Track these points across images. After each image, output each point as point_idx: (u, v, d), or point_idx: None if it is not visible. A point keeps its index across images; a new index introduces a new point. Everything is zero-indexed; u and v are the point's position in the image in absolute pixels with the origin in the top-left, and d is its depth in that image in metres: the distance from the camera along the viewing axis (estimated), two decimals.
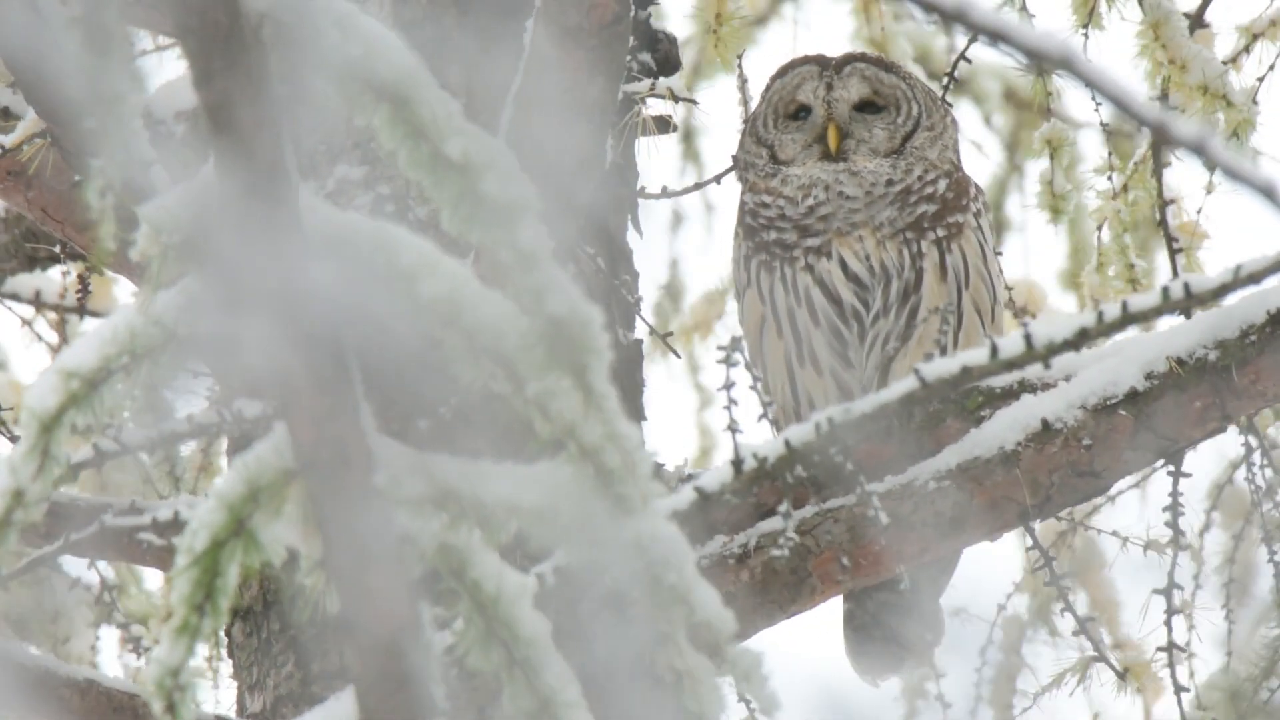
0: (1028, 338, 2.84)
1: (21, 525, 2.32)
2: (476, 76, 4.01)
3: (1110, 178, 4.96)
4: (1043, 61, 2.31)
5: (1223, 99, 4.82)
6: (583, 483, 2.37)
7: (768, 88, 4.39)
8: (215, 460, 5.47)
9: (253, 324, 2.27)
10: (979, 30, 2.33)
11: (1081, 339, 2.83)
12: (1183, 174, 5.07)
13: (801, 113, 4.36)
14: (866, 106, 4.34)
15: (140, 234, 2.23)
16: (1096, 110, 4.98)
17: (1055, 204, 5.03)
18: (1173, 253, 4.86)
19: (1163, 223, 4.89)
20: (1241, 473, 4.67)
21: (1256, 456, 4.18)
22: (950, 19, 2.28)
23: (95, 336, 2.32)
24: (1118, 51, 4.93)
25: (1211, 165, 2.32)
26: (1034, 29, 2.35)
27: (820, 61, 4.37)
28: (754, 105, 4.47)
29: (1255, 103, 4.88)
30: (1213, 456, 4.90)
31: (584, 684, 2.46)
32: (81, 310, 5.50)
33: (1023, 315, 5.39)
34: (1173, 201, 4.88)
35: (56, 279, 5.63)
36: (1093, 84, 2.34)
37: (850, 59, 4.38)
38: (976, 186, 4.34)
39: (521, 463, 2.42)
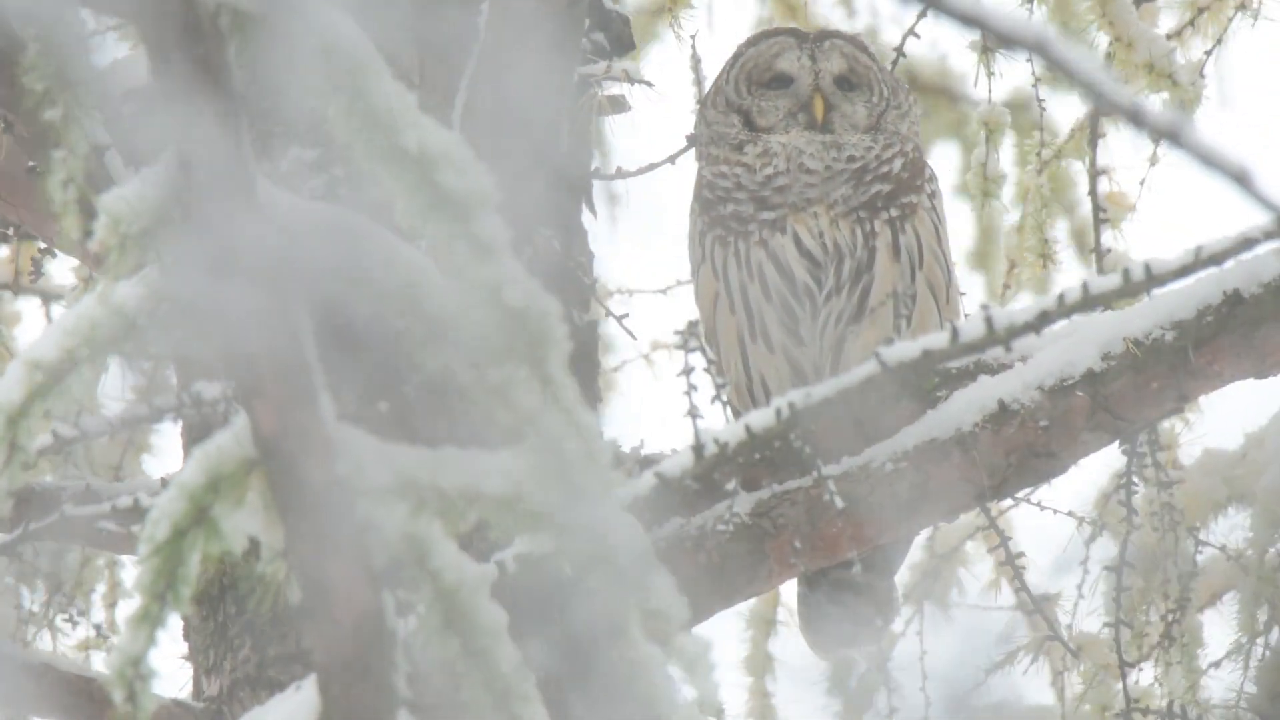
0: (988, 320, 2.85)
1: None
2: (431, 59, 4.00)
3: (1040, 153, 4.99)
4: (1016, 45, 2.31)
5: (1168, 78, 4.84)
6: (543, 471, 2.36)
7: (736, 56, 4.35)
8: (143, 441, 5.43)
9: (212, 312, 2.25)
10: (953, 14, 2.33)
11: (1042, 321, 2.84)
12: (1116, 147, 5.11)
13: (778, 82, 4.33)
14: (842, 82, 4.33)
15: (99, 224, 2.22)
16: (1036, 93, 5.00)
17: (987, 187, 5.04)
18: (1098, 222, 4.89)
19: (1093, 192, 4.90)
20: None
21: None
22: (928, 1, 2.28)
23: (58, 328, 2.32)
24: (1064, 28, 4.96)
25: (1187, 151, 2.31)
26: (1007, 13, 2.35)
27: (796, 34, 4.36)
28: (709, 84, 4.45)
29: (1202, 76, 4.90)
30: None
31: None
32: (16, 288, 5.46)
33: None
34: (1104, 172, 4.90)
35: None
36: (1066, 69, 2.34)
37: (826, 35, 4.37)
38: (930, 168, 4.34)
39: (484, 447, 2.41)
